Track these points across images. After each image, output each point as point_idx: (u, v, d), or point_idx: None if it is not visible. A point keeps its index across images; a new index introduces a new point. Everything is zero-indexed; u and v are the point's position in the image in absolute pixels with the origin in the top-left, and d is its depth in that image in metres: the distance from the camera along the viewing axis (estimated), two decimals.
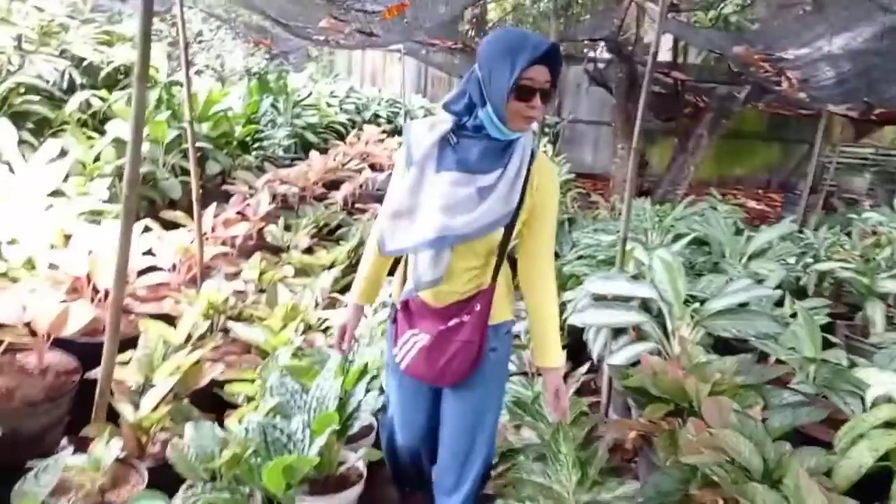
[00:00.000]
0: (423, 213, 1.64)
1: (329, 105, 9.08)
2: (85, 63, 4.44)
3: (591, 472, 2.02)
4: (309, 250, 4.18)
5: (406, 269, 1.81)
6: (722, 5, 5.16)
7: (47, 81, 4.17)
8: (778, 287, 3.31)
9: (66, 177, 3.51)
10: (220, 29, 7.01)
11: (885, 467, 1.84)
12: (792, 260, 3.88)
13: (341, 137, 8.35)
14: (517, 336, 3.15)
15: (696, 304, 2.69)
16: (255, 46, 7.56)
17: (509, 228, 1.67)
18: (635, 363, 2.56)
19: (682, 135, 7.12)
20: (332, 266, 3.85)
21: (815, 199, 7.67)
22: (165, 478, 1.99)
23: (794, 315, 2.91)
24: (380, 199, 5.65)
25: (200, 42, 6.75)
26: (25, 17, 4.31)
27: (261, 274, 3.51)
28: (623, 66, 7.12)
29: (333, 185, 6.09)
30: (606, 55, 8.51)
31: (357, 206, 5.79)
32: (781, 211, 8.74)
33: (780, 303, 3.17)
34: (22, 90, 4.07)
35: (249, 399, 2.45)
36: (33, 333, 2.39)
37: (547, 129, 10.09)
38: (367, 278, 1.95)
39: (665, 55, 8.04)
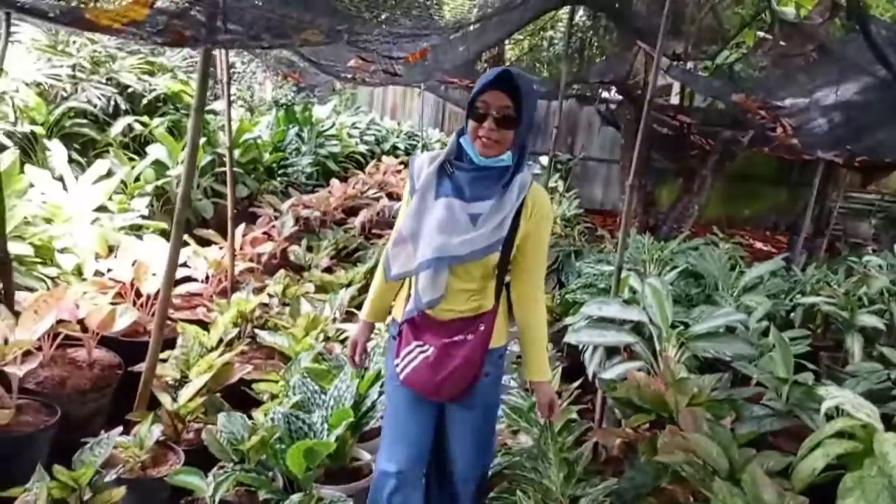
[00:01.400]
0: (424, 238, 1.74)
1: (350, 136, 9.48)
2: (129, 90, 4.83)
3: (577, 471, 2.26)
4: (329, 270, 4.47)
5: (409, 290, 1.87)
6: (723, 56, 5.48)
7: (94, 106, 4.55)
8: (765, 318, 3.53)
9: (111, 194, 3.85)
10: (252, 62, 7.43)
11: (840, 475, 2.05)
12: (783, 295, 4.10)
13: (361, 167, 8.73)
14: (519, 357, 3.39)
15: (682, 328, 2.92)
16: (284, 79, 8.00)
17: (505, 253, 1.76)
18: (624, 379, 2.79)
19: (687, 175, 7.40)
20: (349, 284, 4.13)
21: (820, 242, 7.89)
22: (198, 460, 2.25)
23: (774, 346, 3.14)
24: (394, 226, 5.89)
25: (233, 74, 7.16)
26: (80, 49, 4.72)
27: (284, 289, 3.80)
28: (631, 108, 7.44)
29: (352, 211, 6.43)
30: (617, 97, 8.87)
31: (374, 231, 6.10)
32: (787, 253, 8.94)
33: (766, 333, 3.39)
34: (72, 114, 4.45)
35: (273, 397, 2.71)
36: (84, 330, 2.68)
37: (559, 166, 10.41)
38: (376, 299, 2.04)
39: (674, 99, 8.38)
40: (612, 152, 11.37)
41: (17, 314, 2.41)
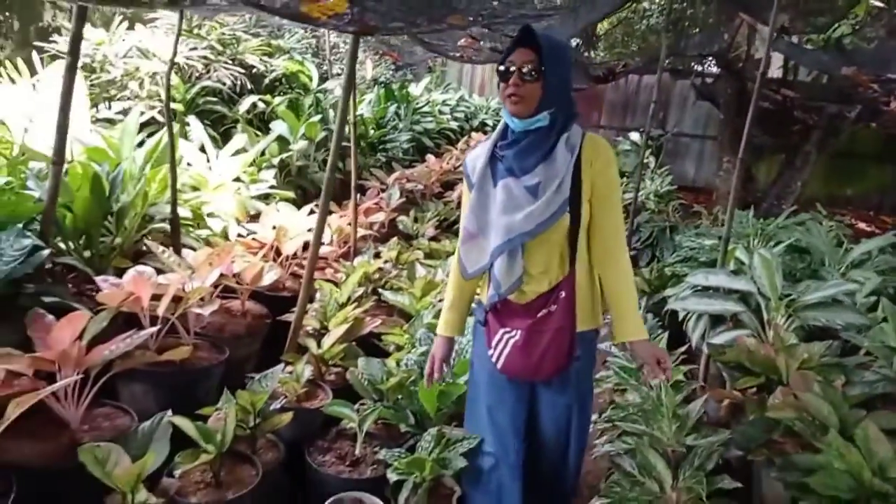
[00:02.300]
0: (492, 227, 1.74)
1: (441, 113, 9.72)
2: (253, 70, 5.23)
3: (688, 423, 2.42)
4: (434, 238, 4.74)
5: (489, 278, 1.83)
6: (834, 29, 5.30)
7: (224, 85, 4.97)
8: (873, 294, 3.52)
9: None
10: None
11: None
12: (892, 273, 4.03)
13: (452, 143, 8.97)
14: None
15: (790, 298, 2.99)
16: (381, 58, 8.30)
17: (575, 214, 1.71)
18: (732, 346, 2.90)
19: (789, 151, 7.20)
20: (454, 252, 4.39)
21: None
22: (340, 398, 2.56)
23: (885, 319, 3.14)
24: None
25: (335, 54, 7.52)
26: (209, 32, 5.14)
27: (398, 255, 4.09)
28: (732, 82, 7.29)
29: (448, 185, 6.68)
30: (714, 70, 8.66)
31: None
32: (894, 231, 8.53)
33: (874, 308, 3.39)
34: (204, 93, 4.88)
35: (399, 348, 3.00)
36: (239, 284, 3.05)
37: (650, 142, 10.27)
38: (452, 309, 2.00)
39: (776, 72, 8.11)
40: (706, 128, 11.08)
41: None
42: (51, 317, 2.15)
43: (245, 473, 2.08)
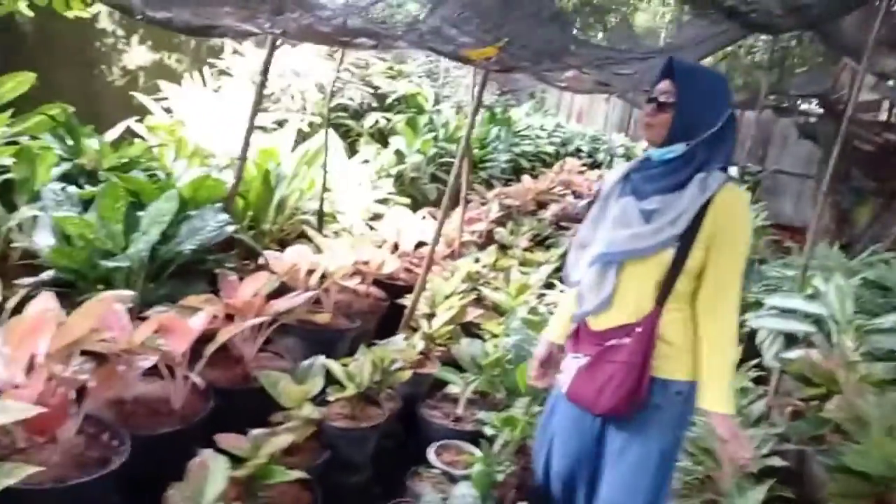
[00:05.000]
0: (598, 239, 1.76)
1: (538, 137, 10.19)
2: (378, 91, 5.91)
3: (749, 419, 2.74)
4: (528, 250, 5.19)
5: None
6: None
7: (353, 101, 5.67)
8: None
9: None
10: (462, 68, 8.39)
11: None
12: None
13: (546, 165, 9.41)
14: None
15: (859, 324, 3.24)
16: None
17: (681, 254, 1.63)
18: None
19: (889, 194, 7.17)
20: (546, 263, 4.83)
21: None
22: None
23: None
24: (578, 221, 6.61)
25: (447, 79, 8.17)
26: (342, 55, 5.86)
27: (495, 261, 4.58)
28: (832, 123, 7.35)
29: (541, 204, 7.13)
30: (818, 110, 8.68)
31: (561, 224, 6.75)
32: None
33: None
34: (337, 108, 5.59)
35: (493, 335, 3.46)
36: (365, 270, 3.62)
37: (748, 178, 10.29)
38: (558, 315, 2.02)
39: (883, 116, 8.06)
40: (806, 167, 10.97)
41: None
42: (234, 276, 2.77)
43: (373, 413, 2.61)
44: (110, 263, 2.35)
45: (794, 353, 3.29)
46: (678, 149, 1.67)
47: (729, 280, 1.66)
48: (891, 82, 5.42)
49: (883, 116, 7.85)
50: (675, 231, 1.62)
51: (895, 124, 7.28)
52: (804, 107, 9.62)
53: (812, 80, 8.27)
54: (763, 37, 9.18)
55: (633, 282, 1.69)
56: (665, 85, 1.66)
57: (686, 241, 1.63)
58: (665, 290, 1.66)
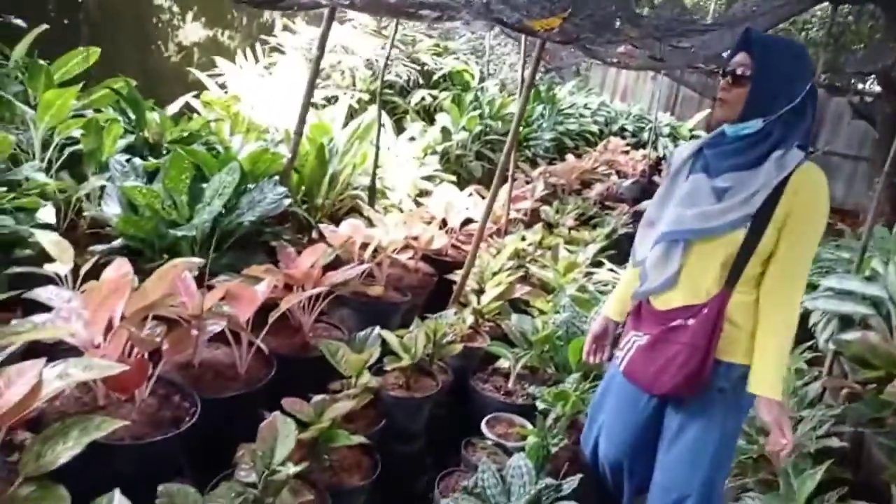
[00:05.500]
0: (665, 217, 1.71)
1: (582, 115, 10.06)
2: (425, 67, 5.90)
3: (805, 400, 2.70)
4: (574, 229, 5.16)
5: None
6: None
7: (400, 79, 5.67)
8: None
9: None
10: (507, 44, 8.30)
11: None
12: None
13: (590, 144, 9.29)
14: None
15: None
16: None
17: (754, 234, 1.58)
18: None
19: None
20: (593, 241, 4.80)
21: None
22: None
23: None
24: (623, 201, 6.52)
25: (492, 56, 8.09)
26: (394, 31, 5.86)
27: (541, 239, 4.57)
28: (893, 102, 7.08)
29: (585, 184, 7.05)
30: (875, 88, 8.35)
31: (606, 203, 6.68)
32: None
33: None
34: (385, 85, 5.59)
35: (541, 312, 3.47)
36: (415, 245, 3.66)
37: None
38: (621, 290, 1.99)
39: None
40: (860, 149, 10.60)
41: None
42: (291, 248, 2.83)
43: (427, 384, 2.66)
44: (178, 233, 2.43)
45: (851, 335, 3.22)
46: (755, 124, 1.61)
47: (799, 265, 1.61)
48: None
49: None
50: (748, 210, 1.57)
51: None
52: (860, 86, 9.26)
53: (870, 58, 7.94)
54: (819, 12, 8.85)
55: (700, 262, 1.65)
56: (741, 57, 1.60)
57: (759, 221, 1.57)
58: (735, 272, 1.62)
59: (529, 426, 2.46)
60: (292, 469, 1.66)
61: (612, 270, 4.12)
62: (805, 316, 3.80)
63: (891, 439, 2.24)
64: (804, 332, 3.72)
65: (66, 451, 1.28)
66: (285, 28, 5.26)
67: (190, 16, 4.64)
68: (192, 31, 4.69)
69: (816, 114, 1.68)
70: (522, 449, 2.25)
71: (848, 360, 3.04)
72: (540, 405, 2.58)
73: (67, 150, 2.77)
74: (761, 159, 1.59)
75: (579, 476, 2.02)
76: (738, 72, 1.59)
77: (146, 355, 1.88)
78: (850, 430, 2.59)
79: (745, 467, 2.49)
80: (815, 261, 4.91)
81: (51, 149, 2.72)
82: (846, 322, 3.48)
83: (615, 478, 1.97)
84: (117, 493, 1.28)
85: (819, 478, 2.18)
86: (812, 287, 4.23)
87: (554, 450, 2.26)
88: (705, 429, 1.71)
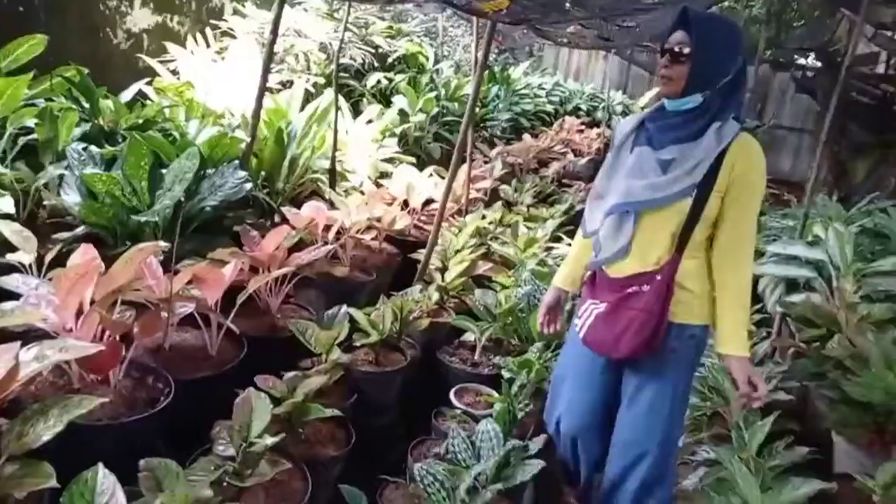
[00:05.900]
0: (613, 189, 1.77)
1: (537, 96, 10.18)
2: (379, 50, 5.89)
3: (754, 360, 2.87)
4: (532, 206, 5.28)
5: None
6: None
7: (355, 62, 5.66)
8: None
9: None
10: (460, 27, 8.34)
11: None
12: None
13: (546, 124, 9.42)
14: None
15: (861, 265, 3.35)
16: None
17: (699, 203, 1.66)
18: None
19: (886, 146, 7.25)
20: (551, 218, 4.92)
21: None
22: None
23: None
24: (579, 179, 6.69)
25: (445, 38, 8.12)
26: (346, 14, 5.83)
27: (501, 217, 4.66)
28: (832, 77, 7.38)
29: (542, 163, 7.19)
30: (816, 63, 8.69)
31: (563, 181, 6.82)
32: None
33: None
34: (340, 69, 5.58)
35: (503, 287, 3.56)
36: (378, 226, 3.70)
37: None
38: (571, 262, 2.06)
39: (881, 68, 8.07)
40: (804, 122, 11.01)
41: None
42: (255, 232, 2.84)
43: (395, 358, 2.73)
44: (140, 219, 2.42)
45: (796, 298, 3.42)
46: (695, 99, 1.68)
47: (746, 227, 1.70)
48: (888, 33, 5.44)
49: (881, 69, 7.86)
50: (692, 180, 1.64)
51: (893, 76, 7.31)
52: (802, 61, 9.61)
53: (810, 34, 8.26)
54: None
55: (651, 231, 1.73)
56: (680, 35, 1.65)
57: (703, 189, 1.65)
58: (683, 238, 1.70)
59: (496, 395, 2.56)
60: (269, 440, 1.71)
61: (570, 245, 4.24)
62: (755, 281, 3.99)
63: (831, 391, 2.40)
64: (754, 297, 3.92)
65: (47, 429, 1.31)
66: (235, 12, 5.19)
67: (138, 2, 4.54)
68: (141, 17, 4.59)
69: (746, 86, 1.78)
70: (490, 416, 2.34)
71: (794, 320, 3.23)
72: (505, 374, 2.67)
73: (21, 140, 2.73)
74: (701, 132, 1.67)
75: (544, 436, 2.12)
76: (677, 49, 1.65)
77: (118, 338, 1.89)
78: (796, 384, 2.77)
79: (699, 423, 2.64)
80: (763, 229, 5.15)
81: (4, 139, 2.67)
82: (792, 286, 3.68)
83: (575, 453, 2.05)
84: (101, 466, 1.32)
85: (768, 429, 2.33)
86: (760, 254, 4.45)
87: (520, 415, 2.35)
88: (661, 387, 1.80)
